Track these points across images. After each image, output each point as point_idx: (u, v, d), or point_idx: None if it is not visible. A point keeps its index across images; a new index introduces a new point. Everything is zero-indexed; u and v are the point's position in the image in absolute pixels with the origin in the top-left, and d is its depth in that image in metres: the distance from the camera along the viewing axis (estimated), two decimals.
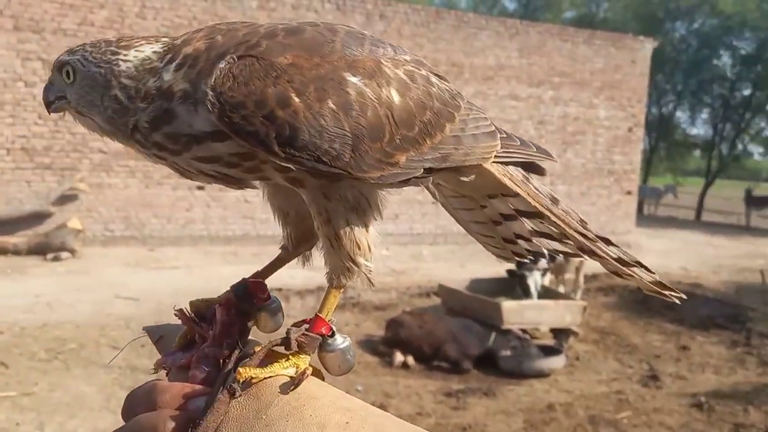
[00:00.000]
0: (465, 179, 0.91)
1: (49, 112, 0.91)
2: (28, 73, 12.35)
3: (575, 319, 7.95)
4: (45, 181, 12.66)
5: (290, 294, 9.08)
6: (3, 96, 12.23)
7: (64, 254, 11.59)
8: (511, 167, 0.95)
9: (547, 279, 9.04)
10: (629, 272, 0.93)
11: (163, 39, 0.83)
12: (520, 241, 0.97)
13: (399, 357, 7.18)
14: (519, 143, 0.96)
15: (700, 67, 29.81)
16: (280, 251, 0.91)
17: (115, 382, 5.82)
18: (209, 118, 0.73)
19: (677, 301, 0.93)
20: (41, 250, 11.62)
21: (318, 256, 0.87)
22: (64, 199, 12.66)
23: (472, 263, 12.91)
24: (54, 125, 12.55)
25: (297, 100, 0.71)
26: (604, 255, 0.93)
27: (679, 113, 33.11)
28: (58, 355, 6.50)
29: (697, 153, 37.08)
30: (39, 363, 6.29)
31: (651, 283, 0.94)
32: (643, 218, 24.14)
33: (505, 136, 0.94)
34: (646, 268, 0.95)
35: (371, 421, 0.65)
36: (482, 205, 0.97)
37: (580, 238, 0.93)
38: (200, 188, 13.39)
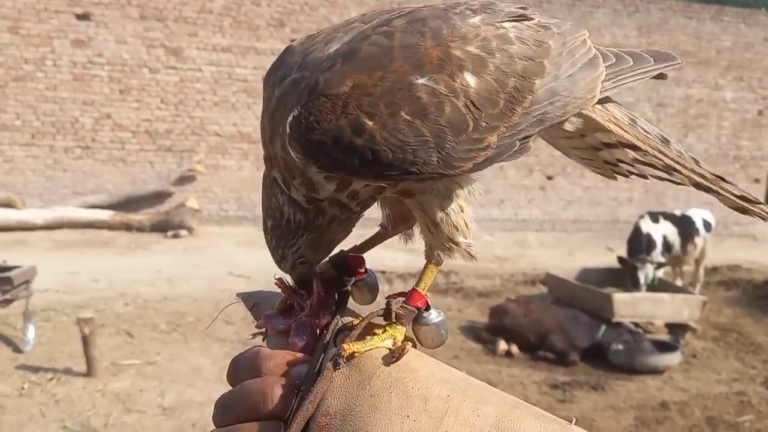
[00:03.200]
0: (570, 128, 0.85)
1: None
2: (153, 60, 13.10)
3: (693, 314, 7.51)
4: (166, 163, 13.44)
5: (393, 277, 9.15)
6: (129, 81, 13.06)
7: (183, 232, 12.29)
8: (615, 109, 0.87)
9: (662, 271, 8.58)
10: (756, 210, 0.88)
11: None
12: (621, 165, 0.90)
13: (503, 345, 7.06)
14: (631, 62, 0.87)
15: None
16: (379, 228, 0.93)
17: (228, 355, 6.10)
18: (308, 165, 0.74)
19: None
20: (162, 227, 12.36)
21: (419, 235, 0.87)
22: (183, 179, 13.40)
23: (580, 252, 12.51)
24: (175, 109, 13.28)
25: (370, 123, 0.70)
26: (721, 191, 0.88)
27: None
28: (178, 327, 6.90)
29: None
30: (160, 334, 6.70)
31: None
32: None
33: (614, 60, 0.85)
34: None
35: (471, 392, 0.66)
36: (582, 134, 0.90)
37: (698, 178, 0.87)
38: None
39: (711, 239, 9.70)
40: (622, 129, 0.86)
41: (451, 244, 0.79)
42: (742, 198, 0.88)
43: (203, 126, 13.42)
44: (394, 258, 9.03)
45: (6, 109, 12.65)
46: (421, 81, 0.71)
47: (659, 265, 8.20)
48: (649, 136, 0.87)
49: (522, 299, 8.25)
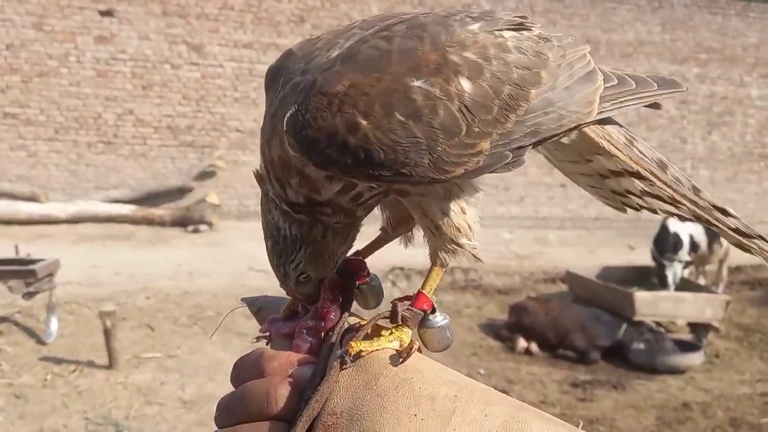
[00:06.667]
0: (565, 141, 0.85)
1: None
2: (174, 56, 13.19)
3: (716, 314, 7.40)
4: (187, 158, 13.52)
5: (412, 273, 9.14)
6: (152, 77, 13.16)
7: (203, 227, 12.36)
8: (612, 129, 0.88)
9: (687, 270, 8.47)
10: (750, 244, 0.88)
11: None
12: (631, 196, 0.91)
13: (522, 343, 7.02)
14: (635, 85, 0.87)
15: None
16: (380, 232, 0.93)
17: (248, 349, 6.08)
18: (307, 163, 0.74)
19: None
20: (182, 222, 12.45)
21: (420, 235, 0.87)
22: (204, 175, 13.47)
23: (602, 250, 12.38)
24: (196, 105, 13.36)
25: (364, 122, 0.70)
26: (720, 225, 0.87)
27: None
28: (198, 321, 6.95)
29: None
30: (181, 328, 6.75)
31: None
32: None
33: (615, 82, 0.86)
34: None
35: (478, 395, 0.66)
36: (587, 159, 0.91)
37: (691, 206, 0.87)
38: None
39: None
40: (615, 147, 0.86)
41: (454, 246, 0.80)
42: (737, 231, 0.88)
43: (224, 122, 13.48)
44: (414, 254, 9.00)
45: (30, 104, 12.81)
46: (416, 83, 0.71)
47: (686, 264, 8.09)
48: (645, 158, 0.87)
49: (542, 297, 8.20)
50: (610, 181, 0.91)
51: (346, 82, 0.71)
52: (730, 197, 15.65)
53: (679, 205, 0.88)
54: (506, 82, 0.75)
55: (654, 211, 0.91)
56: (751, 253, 0.89)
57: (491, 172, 0.78)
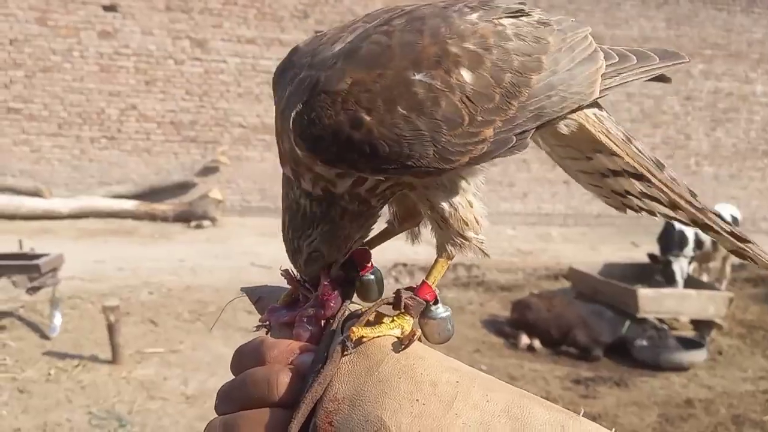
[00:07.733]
0: (564, 131, 0.86)
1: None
2: (178, 51, 13.19)
3: (719, 311, 7.39)
4: (190, 153, 13.54)
5: (414, 269, 9.15)
6: (155, 73, 13.16)
7: (206, 222, 12.39)
8: (611, 125, 0.88)
9: (691, 267, 8.45)
10: (744, 247, 0.88)
11: None
12: (630, 197, 0.91)
13: (525, 339, 7.02)
14: (635, 60, 0.87)
15: None
16: (387, 225, 0.93)
17: None
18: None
19: None
20: (185, 217, 12.47)
21: (426, 232, 0.88)
22: (207, 170, 13.49)
23: (604, 246, 12.38)
24: (199, 101, 13.36)
25: (368, 118, 0.71)
26: (716, 228, 0.88)
27: None
28: (200, 316, 6.95)
29: None
30: (183, 323, 6.76)
31: None
32: None
33: (616, 59, 0.86)
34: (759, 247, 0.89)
35: (479, 381, 0.67)
36: (588, 156, 0.91)
37: (687, 206, 0.88)
38: None
39: None
40: (613, 142, 0.87)
41: (461, 239, 0.80)
42: (731, 234, 0.88)
43: (227, 117, 13.49)
44: (416, 251, 9.02)
45: (34, 99, 12.83)
46: (417, 77, 0.72)
47: (691, 259, 8.08)
48: (641, 155, 0.88)
49: (545, 294, 8.19)
50: (609, 180, 0.92)
51: (349, 79, 0.72)
52: (734, 194, 15.61)
53: (678, 210, 0.89)
54: (507, 69, 0.76)
55: (653, 214, 0.91)
56: (746, 259, 0.89)
57: (496, 157, 0.78)
